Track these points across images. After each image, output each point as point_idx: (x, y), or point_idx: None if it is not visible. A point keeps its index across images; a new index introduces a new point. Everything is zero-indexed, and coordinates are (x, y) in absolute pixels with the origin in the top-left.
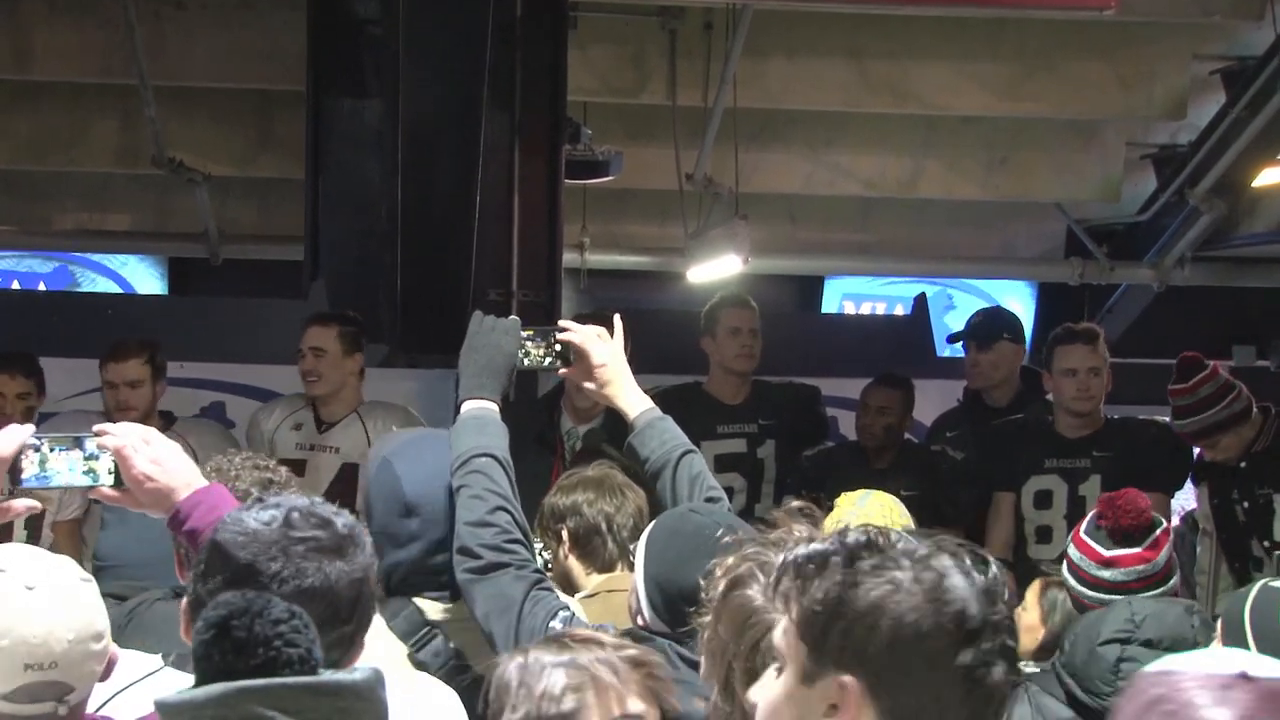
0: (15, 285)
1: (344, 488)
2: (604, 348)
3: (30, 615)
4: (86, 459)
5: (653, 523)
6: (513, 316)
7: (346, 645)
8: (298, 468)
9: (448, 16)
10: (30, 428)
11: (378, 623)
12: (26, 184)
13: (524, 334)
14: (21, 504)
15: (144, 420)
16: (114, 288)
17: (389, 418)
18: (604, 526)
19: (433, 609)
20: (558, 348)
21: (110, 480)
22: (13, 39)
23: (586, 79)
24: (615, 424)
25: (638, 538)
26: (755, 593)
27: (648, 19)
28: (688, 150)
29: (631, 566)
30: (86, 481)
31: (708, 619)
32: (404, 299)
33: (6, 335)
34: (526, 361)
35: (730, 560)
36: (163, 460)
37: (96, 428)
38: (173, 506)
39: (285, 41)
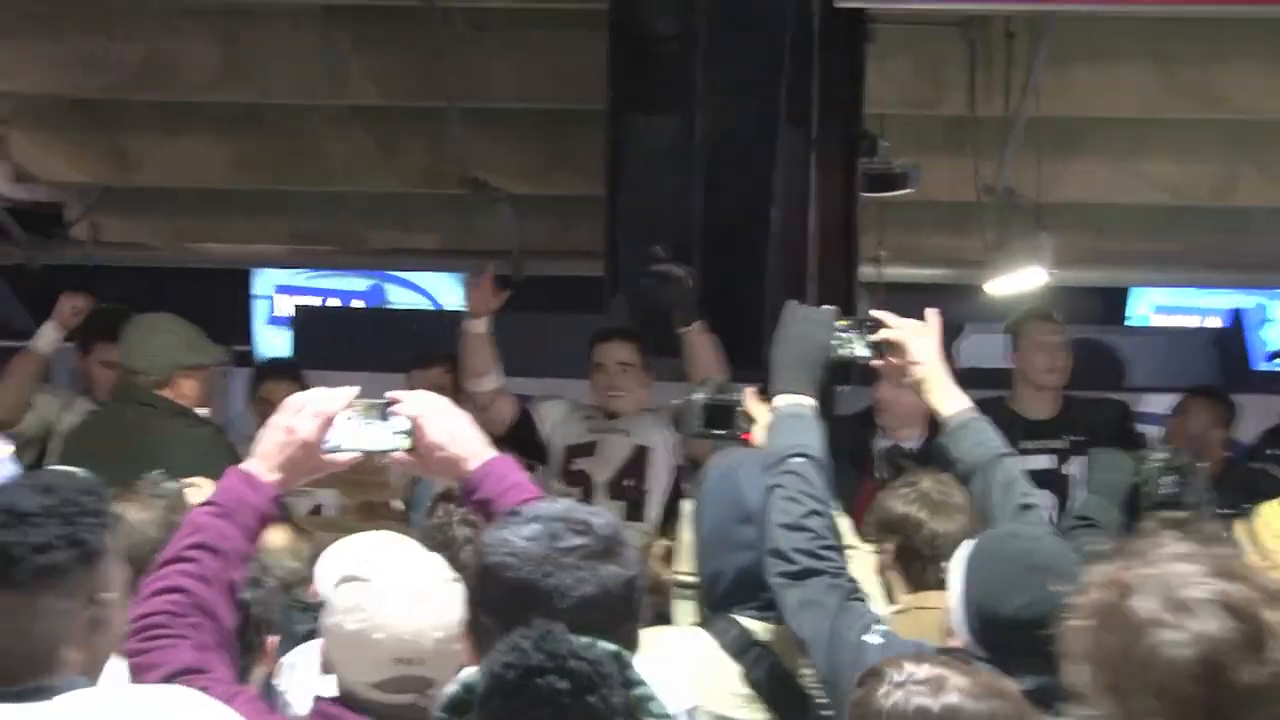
0: (335, 302)
1: (635, 468)
2: (921, 342)
3: (403, 613)
4: (388, 426)
5: (972, 543)
6: (827, 307)
7: (626, 643)
8: (587, 449)
9: (746, 32)
10: (354, 390)
11: (708, 641)
12: (342, 205)
13: (839, 324)
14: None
15: None
16: (425, 303)
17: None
18: (933, 544)
19: (760, 629)
20: (873, 339)
21: (406, 445)
22: (329, 64)
23: (884, 90)
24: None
25: None
26: (1141, 604)
27: (947, 29)
28: (986, 161)
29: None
30: (388, 446)
31: (1083, 623)
32: (703, 313)
33: (323, 350)
34: (841, 353)
35: (1108, 569)
36: (455, 430)
37: (391, 394)
38: (463, 475)
39: (584, 60)
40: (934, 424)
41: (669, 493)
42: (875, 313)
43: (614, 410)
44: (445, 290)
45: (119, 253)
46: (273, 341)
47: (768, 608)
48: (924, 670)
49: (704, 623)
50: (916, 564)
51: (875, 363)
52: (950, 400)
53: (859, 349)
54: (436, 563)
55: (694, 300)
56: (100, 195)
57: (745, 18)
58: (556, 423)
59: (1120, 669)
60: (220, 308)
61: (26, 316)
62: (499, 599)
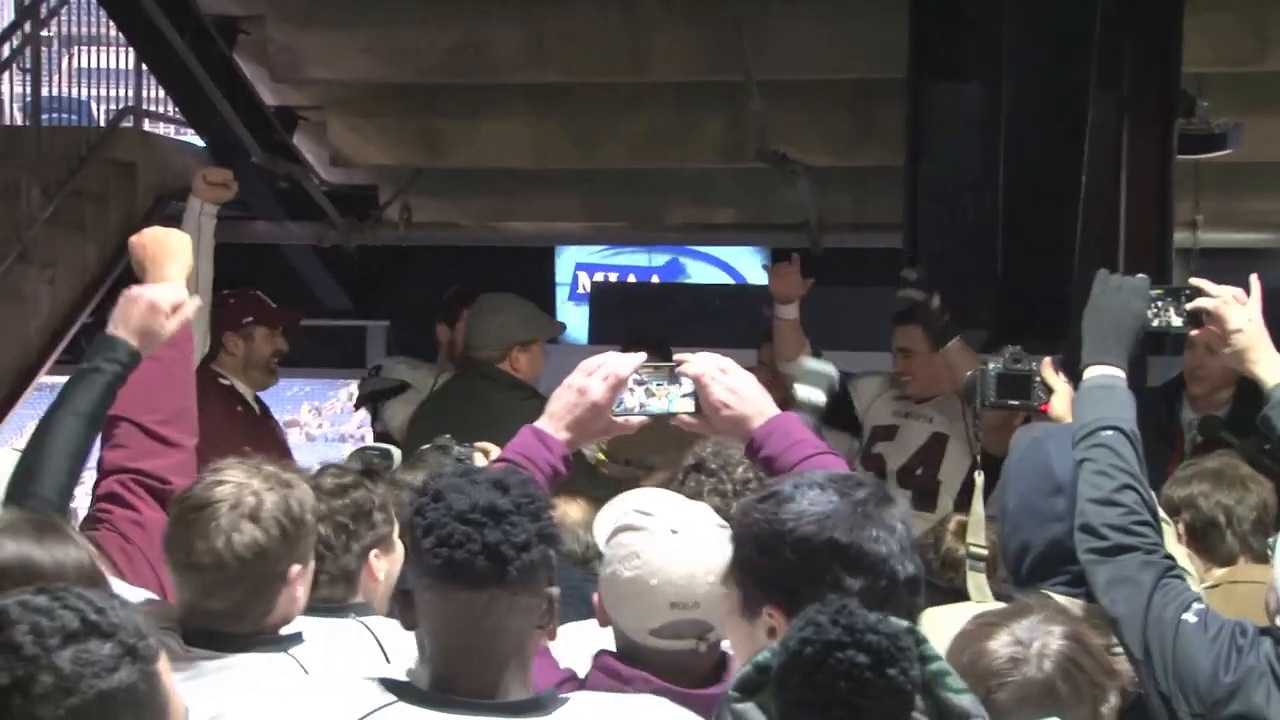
0: (631, 279)
1: (929, 455)
2: (1240, 311)
3: (676, 558)
4: (675, 389)
5: None
6: (1141, 275)
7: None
8: (889, 432)
9: None
10: (642, 355)
11: None
12: (641, 182)
13: (1153, 293)
14: None
15: None
16: (724, 278)
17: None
18: (1222, 520)
19: (1074, 606)
20: (1189, 309)
21: (692, 408)
22: (632, 42)
23: (1202, 49)
24: (1238, 412)
25: (1260, 531)
26: None
27: None
28: None
29: (1255, 558)
30: (677, 408)
31: None
32: (1006, 284)
33: (618, 326)
34: (1155, 323)
35: None
36: (739, 389)
37: (679, 356)
38: (748, 434)
39: (885, 30)
40: (1243, 395)
41: (967, 482)
42: (1194, 280)
43: (908, 394)
44: (746, 264)
45: (429, 233)
46: (572, 318)
47: (1077, 582)
48: None
49: (1011, 599)
50: (1211, 535)
51: (1194, 333)
52: (1275, 371)
53: (1174, 319)
54: (705, 510)
55: (945, 321)
56: (412, 177)
57: None
58: (867, 401)
59: None
60: (525, 285)
61: (343, 296)
62: (798, 565)
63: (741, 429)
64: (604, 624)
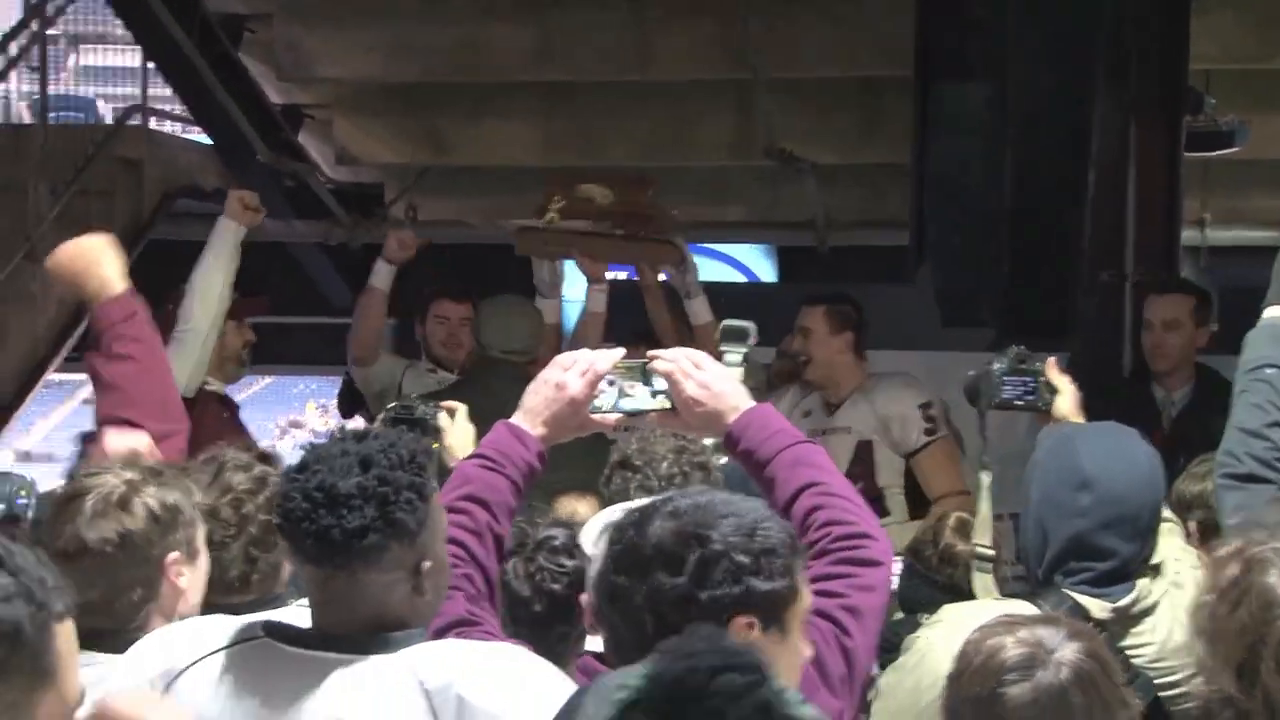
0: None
1: (861, 467)
2: None
3: None
4: (648, 386)
5: None
6: None
7: None
8: None
9: None
10: (621, 351)
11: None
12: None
13: None
14: None
15: None
16: (736, 276)
17: (892, 386)
18: None
19: (1096, 607)
20: None
21: (666, 405)
22: (636, 42)
23: (1208, 46)
24: (1198, 399)
25: None
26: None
27: None
28: None
29: None
30: (648, 406)
31: (1206, 599)
32: (1012, 282)
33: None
34: None
35: (1240, 541)
36: (711, 384)
37: (650, 353)
38: (723, 429)
39: (891, 29)
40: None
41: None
42: None
43: (809, 379)
44: (757, 262)
45: (436, 230)
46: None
47: (1101, 582)
48: None
49: (1031, 595)
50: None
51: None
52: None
53: None
54: None
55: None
56: (417, 176)
57: None
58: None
59: (1252, 647)
60: (532, 284)
61: (348, 293)
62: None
63: (715, 425)
64: (593, 627)
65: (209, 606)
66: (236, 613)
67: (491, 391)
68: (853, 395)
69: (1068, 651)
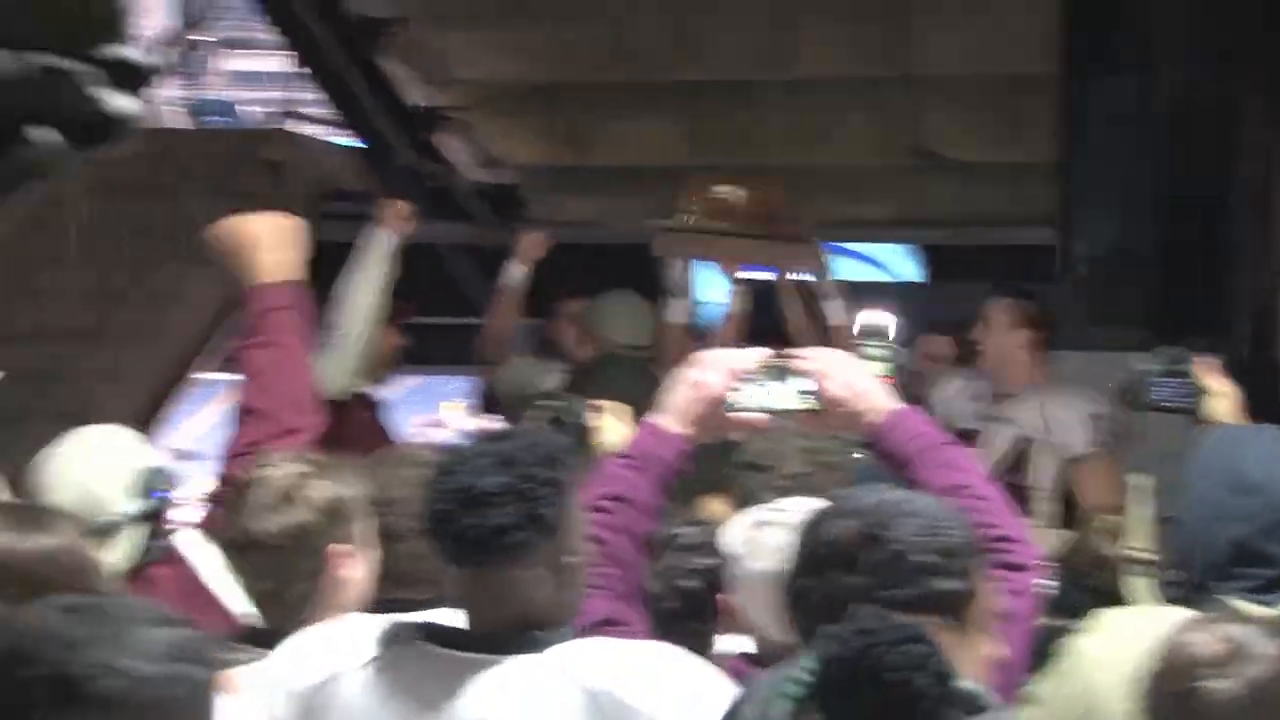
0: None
1: (1016, 462)
2: None
3: None
4: (791, 385)
5: None
6: None
7: None
8: (972, 438)
9: None
10: (766, 350)
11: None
12: (788, 178)
13: None
14: None
15: None
16: (878, 275)
17: (1068, 392)
18: None
19: (1259, 614)
20: None
21: (811, 404)
22: (778, 39)
23: None
24: None
25: None
26: None
27: None
28: None
29: None
30: (793, 405)
31: None
32: (1163, 281)
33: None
34: None
35: None
36: (854, 384)
37: (792, 351)
38: (866, 428)
39: (1037, 24)
40: None
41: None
42: None
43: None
44: (898, 261)
45: (577, 231)
46: None
47: (1268, 588)
48: None
49: (1188, 602)
50: None
51: None
52: None
53: None
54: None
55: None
56: (559, 175)
57: None
58: (948, 397)
59: None
60: (658, 283)
61: (490, 294)
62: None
63: (857, 425)
64: (744, 630)
65: (384, 602)
66: (410, 609)
67: (615, 385)
68: (1024, 391)
69: (1272, 647)
